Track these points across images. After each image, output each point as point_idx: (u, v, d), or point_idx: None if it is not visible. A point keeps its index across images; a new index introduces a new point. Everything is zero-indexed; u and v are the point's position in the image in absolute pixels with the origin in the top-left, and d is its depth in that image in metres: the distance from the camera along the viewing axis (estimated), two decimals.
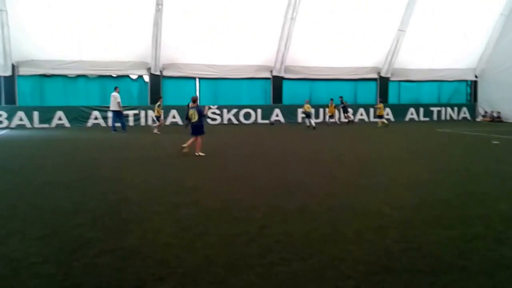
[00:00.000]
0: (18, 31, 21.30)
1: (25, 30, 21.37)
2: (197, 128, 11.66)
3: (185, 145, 11.71)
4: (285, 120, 25.76)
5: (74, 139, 17.26)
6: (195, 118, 11.56)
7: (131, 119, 23.39)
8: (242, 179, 8.62)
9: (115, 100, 19.76)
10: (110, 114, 21.45)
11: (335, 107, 24.72)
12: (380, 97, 26.93)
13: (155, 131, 19.22)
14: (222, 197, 6.92)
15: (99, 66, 23.34)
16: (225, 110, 24.99)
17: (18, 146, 15.01)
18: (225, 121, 24.92)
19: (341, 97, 25.21)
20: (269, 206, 6.33)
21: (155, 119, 20.56)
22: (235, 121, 25.05)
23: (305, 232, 5.10)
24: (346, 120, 25.47)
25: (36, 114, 22.23)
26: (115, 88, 20.27)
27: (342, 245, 4.65)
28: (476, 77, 29.23)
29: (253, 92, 26.58)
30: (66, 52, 22.46)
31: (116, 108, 19.91)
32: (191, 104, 11.73)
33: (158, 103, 20.04)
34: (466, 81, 29.91)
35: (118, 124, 20.00)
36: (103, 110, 22.91)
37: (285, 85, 26.65)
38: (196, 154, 11.48)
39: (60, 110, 22.52)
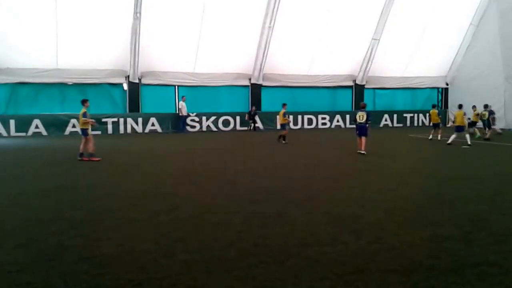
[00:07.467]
0: None
1: None
2: (363, 129, 13.35)
3: (361, 150, 13.13)
4: (264, 127, 25.89)
5: (48, 147, 17.00)
6: (363, 119, 13.34)
7: (109, 127, 23.13)
8: (220, 185, 8.68)
9: (183, 107, 23.82)
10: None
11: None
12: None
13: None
14: (200, 203, 6.97)
15: (76, 74, 23.02)
16: (204, 118, 24.99)
17: None
18: (204, 129, 24.91)
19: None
20: (247, 211, 6.42)
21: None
22: (214, 128, 25.08)
23: (283, 236, 5.21)
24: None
25: (12, 123, 21.71)
26: (182, 97, 24.02)
27: (318, 248, 4.77)
28: (447, 84, 30.14)
29: (232, 99, 26.69)
30: (42, 60, 22.08)
31: (185, 114, 23.91)
32: (361, 109, 13.78)
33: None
34: (438, 88, 30.77)
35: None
36: None
37: (264, 93, 26.89)
38: (360, 152, 13.04)
39: (37, 118, 22.08)
